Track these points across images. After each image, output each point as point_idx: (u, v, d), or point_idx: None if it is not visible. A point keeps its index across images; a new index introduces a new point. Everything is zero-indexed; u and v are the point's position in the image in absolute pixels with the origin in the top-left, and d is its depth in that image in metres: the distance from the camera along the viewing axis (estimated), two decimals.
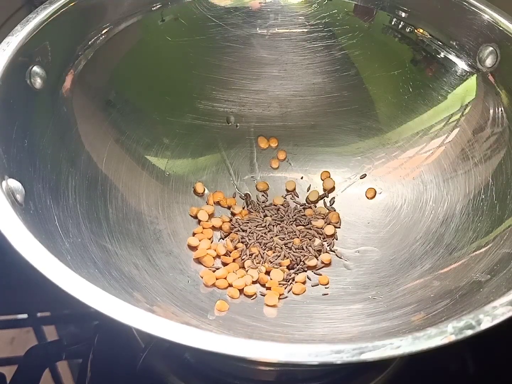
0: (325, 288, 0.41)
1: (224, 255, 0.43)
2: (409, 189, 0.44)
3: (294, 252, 0.43)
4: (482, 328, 0.25)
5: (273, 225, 0.45)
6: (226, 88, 0.47)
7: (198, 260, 0.42)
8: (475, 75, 0.41)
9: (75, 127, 0.40)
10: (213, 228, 0.44)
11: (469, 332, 0.25)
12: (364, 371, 0.40)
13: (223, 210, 0.46)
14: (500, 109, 0.40)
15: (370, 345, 0.24)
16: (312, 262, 0.42)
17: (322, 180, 0.48)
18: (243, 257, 0.43)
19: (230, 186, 0.47)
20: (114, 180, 0.41)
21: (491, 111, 0.40)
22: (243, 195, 0.47)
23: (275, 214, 0.46)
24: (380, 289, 0.39)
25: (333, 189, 0.47)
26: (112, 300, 0.25)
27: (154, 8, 0.44)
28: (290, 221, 0.45)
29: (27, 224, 0.28)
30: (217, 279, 0.40)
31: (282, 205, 0.46)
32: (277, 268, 0.42)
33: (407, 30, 0.44)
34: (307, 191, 0.48)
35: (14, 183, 0.31)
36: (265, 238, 0.44)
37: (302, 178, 0.48)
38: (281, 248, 0.43)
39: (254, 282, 0.41)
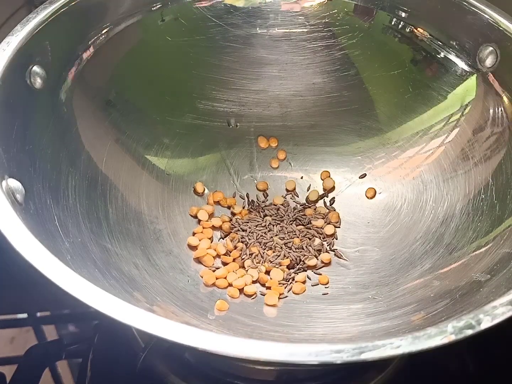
0: (325, 287, 0.41)
1: (224, 254, 0.43)
2: (409, 189, 0.44)
3: (294, 251, 0.43)
4: (482, 328, 0.25)
5: (273, 225, 0.45)
6: (226, 88, 0.47)
7: (198, 260, 0.42)
8: (475, 75, 0.41)
9: (75, 127, 0.40)
10: (213, 227, 0.44)
11: (469, 332, 0.25)
12: (364, 371, 0.40)
13: (223, 209, 0.46)
14: (500, 109, 0.40)
15: (370, 345, 0.24)
16: (312, 261, 0.42)
17: (322, 179, 0.48)
18: (243, 257, 0.43)
19: (230, 185, 0.47)
20: (114, 180, 0.41)
21: (491, 111, 0.40)
22: (243, 194, 0.47)
23: (275, 213, 0.46)
24: (380, 289, 0.39)
25: (333, 188, 0.47)
26: (112, 300, 0.25)
27: (154, 8, 0.44)
28: (290, 221, 0.45)
29: (27, 224, 0.28)
30: (217, 278, 0.40)
31: (282, 204, 0.46)
32: (277, 267, 0.42)
33: (407, 30, 0.44)
34: (307, 190, 0.48)
35: (14, 183, 0.31)
36: (265, 238, 0.44)
37: (302, 177, 0.48)
38: (281, 247, 0.43)
39: (254, 282, 0.41)
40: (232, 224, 0.45)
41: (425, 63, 0.44)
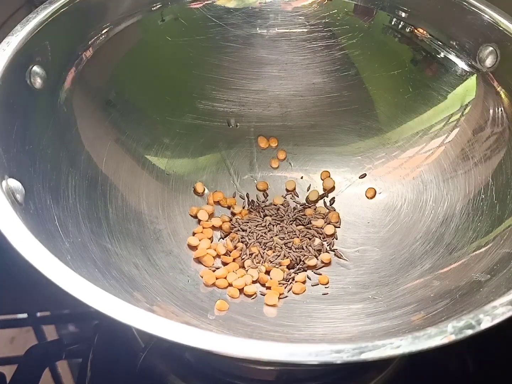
0: (325, 287, 0.41)
1: (224, 254, 0.43)
2: (409, 189, 0.44)
3: (294, 251, 0.43)
4: (482, 328, 0.25)
5: (273, 225, 0.45)
6: (226, 88, 0.47)
7: (198, 260, 0.42)
8: (475, 75, 0.41)
9: (75, 127, 0.40)
10: (213, 227, 0.44)
11: (469, 332, 0.25)
12: (364, 371, 0.40)
13: (223, 209, 0.46)
14: (500, 109, 0.40)
15: (370, 345, 0.24)
16: (312, 261, 0.42)
17: (322, 179, 0.48)
18: (243, 257, 0.43)
19: (230, 185, 0.47)
20: (114, 180, 0.41)
21: (491, 111, 0.40)
22: (243, 194, 0.47)
23: (275, 213, 0.46)
24: (380, 289, 0.39)
25: (333, 188, 0.47)
26: (112, 300, 0.25)
27: (154, 8, 0.44)
28: (290, 221, 0.45)
29: (27, 223, 0.28)
30: (217, 278, 0.40)
31: (282, 204, 0.46)
32: (277, 267, 0.42)
33: (407, 30, 0.44)
34: (307, 190, 0.48)
35: (14, 183, 0.31)
36: (265, 238, 0.44)
37: (302, 177, 0.48)
38: (281, 247, 0.43)
39: (254, 282, 0.41)
40: (232, 224, 0.45)
41: (425, 63, 0.44)
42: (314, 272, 0.42)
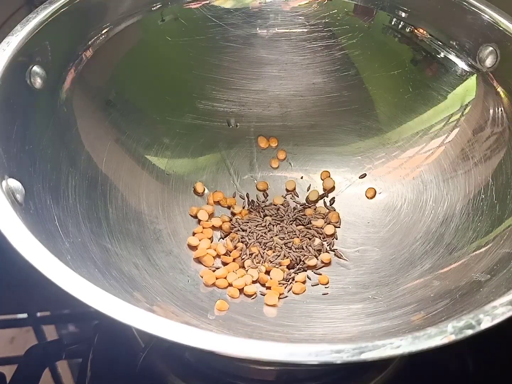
0: (325, 287, 0.41)
1: (224, 254, 0.43)
2: (409, 189, 0.44)
3: (294, 251, 0.43)
4: (482, 328, 0.25)
5: (273, 225, 0.45)
6: (226, 88, 0.47)
7: (198, 260, 0.42)
8: (475, 75, 0.42)
9: (75, 127, 0.40)
10: (213, 227, 0.44)
11: (469, 332, 0.25)
12: (364, 371, 0.40)
13: (223, 209, 0.46)
14: (500, 109, 0.40)
15: (370, 345, 0.24)
16: (312, 261, 0.42)
17: (322, 179, 0.48)
18: (243, 257, 0.43)
19: (230, 185, 0.47)
20: (114, 180, 0.41)
21: (491, 111, 0.40)
22: (243, 194, 0.47)
23: (275, 213, 0.46)
24: (380, 289, 0.39)
25: (333, 188, 0.47)
26: (112, 300, 0.25)
27: (154, 8, 0.44)
28: (290, 221, 0.45)
29: (27, 223, 0.28)
30: (217, 278, 0.40)
31: (282, 204, 0.46)
32: (277, 267, 0.42)
33: (407, 30, 0.44)
34: (307, 190, 0.48)
35: (14, 183, 0.31)
36: (265, 238, 0.44)
37: (302, 177, 0.48)
38: (281, 247, 0.43)
39: (254, 282, 0.41)
40: (232, 224, 0.45)
41: (425, 63, 0.44)
42: (314, 272, 0.42)
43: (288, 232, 0.44)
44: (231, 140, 0.48)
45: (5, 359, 0.42)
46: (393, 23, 0.44)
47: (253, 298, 0.40)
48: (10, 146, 0.33)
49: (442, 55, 0.43)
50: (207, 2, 0.45)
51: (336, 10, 0.45)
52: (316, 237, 0.44)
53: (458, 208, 0.41)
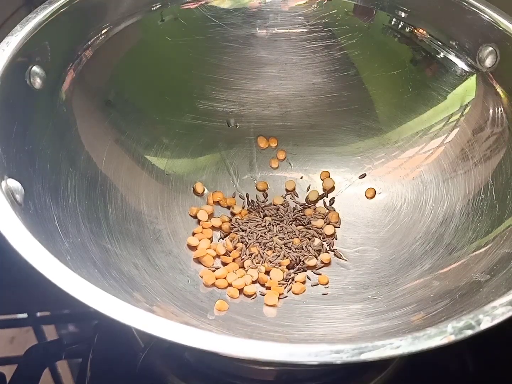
0: (325, 288, 0.41)
1: (224, 255, 0.43)
2: (409, 189, 0.44)
3: (293, 251, 0.43)
4: (482, 328, 0.25)
5: (273, 225, 0.45)
6: (226, 88, 0.47)
7: (198, 260, 0.42)
8: (475, 75, 0.41)
9: (75, 127, 0.40)
10: (213, 228, 0.44)
11: (469, 332, 0.25)
12: (364, 371, 0.40)
13: (222, 210, 0.46)
14: (499, 109, 0.40)
15: (370, 345, 0.24)
16: (312, 261, 0.42)
17: (321, 180, 0.48)
18: (242, 257, 0.43)
19: (229, 186, 0.47)
20: (114, 180, 0.41)
21: (491, 111, 0.40)
22: (243, 194, 0.47)
23: (275, 214, 0.46)
24: (379, 289, 0.39)
25: (332, 189, 0.47)
26: (112, 300, 0.25)
27: (154, 8, 0.44)
28: (290, 221, 0.45)
29: (26, 224, 0.28)
30: (216, 279, 0.40)
31: (281, 205, 0.46)
32: (277, 267, 0.42)
33: (407, 30, 0.44)
34: (307, 191, 0.48)
35: (13, 183, 0.31)
36: (264, 238, 0.44)
37: (301, 178, 0.48)
38: (281, 247, 0.43)
39: (253, 282, 0.41)
40: (232, 224, 0.45)
41: (425, 63, 0.44)
42: (313, 272, 0.42)
43: (287, 232, 0.44)
44: (230, 140, 0.48)
45: (5, 359, 0.42)
46: (393, 23, 0.44)
47: (252, 298, 0.40)
48: (10, 146, 0.33)
49: (442, 55, 0.43)
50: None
51: (336, 10, 0.45)
52: (316, 237, 0.44)
53: (458, 208, 0.41)
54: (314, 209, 0.46)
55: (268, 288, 0.41)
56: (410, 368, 0.40)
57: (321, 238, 0.44)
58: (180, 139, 0.46)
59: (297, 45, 0.46)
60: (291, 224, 0.45)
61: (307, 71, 0.47)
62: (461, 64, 0.42)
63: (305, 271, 0.42)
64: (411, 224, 0.43)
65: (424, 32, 0.43)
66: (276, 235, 0.44)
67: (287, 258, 0.43)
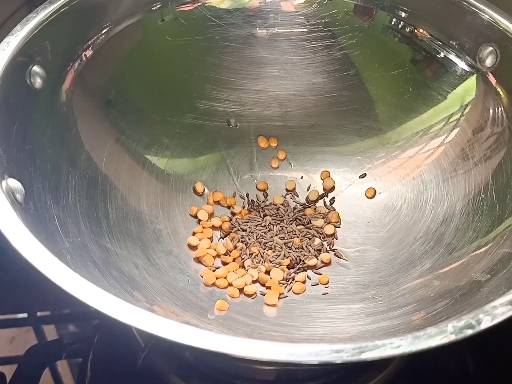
0: (325, 287, 0.41)
1: (224, 254, 0.43)
2: (409, 188, 0.44)
3: (294, 251, 0.43)
4: (482, 327, 0.25)
5: (273, 225, 0.45)
6: (226, 87, 0.47)
7: (198, 260, 0.42)
8: (475, 75, 0.42)
9: (75, 127, 0.40)
10: (213, 227, 0.44)
11: (469, 332, 0.25)
12: (364, 371, 0.40)
13: (223, 209, 0.46)
14: (500, 109, 0.40)
15: (370, 345, 0.24)
16: (312, 261, 0.42)
17: (322, 179, 0.48)
18: (243, 257, 0.43)
19: (230, 185, 0.47)
20: (114, 179, 0.41)
21: (491, 111, 0.40)
22: (243, 194, 0.47)
23: (275, 213, 0.46)
24: (380, 289, 0.39)
25: (333, 188, 0.47)
26: (112, 300, 0.25)
27: (154, 8, 0.44)
28: (290, 221, 0.45)
29: (27, 223, 0.28)
30: (217, 278, 0.40)
31: (282, 204, 0.46)
32: (277, 267, 0.42)
33: (407, 30, 0.44)
34: (307, 190, 0.48)
35: (14, 183, 0.31)
36: (265, 238, 0.44)
37: (302, 177, 0.48)
38: (281, 247, 0.43)
39: (254, 282, 0.41)
40: (232, 224, 0.45)
41: (425, 63, 0.44)
42: (314, 272, 0.42)
43: (288, 232, 0.44)
44: (231, 140, 0.48)
45: (5, 359, 0.42)
46: (393, 23, 0.44)
47: (253, 298, 0.40)
48: (10, 146, 0.33)
49: (442, 55, 0.43)
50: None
51: (336, 10, 0.45)
52: (316, 237, 0.44)
53: (458, 208, 0.41)
54: (314, 209, 0.46)
55: (269, 287, 0.41)
56: (410, 368, 0.40)
57: (321, 238, 0.44)
58: (181, 139, 0.46)
59: (297, 45, 0.46)
60: (291, 224, 0.45)
61: (307, 71, 0.47)
62: (461, 64, 0.42)
63: (306, 270, 0.42)
64: (411, 223, 0.43)
65: (424, 32, 0.43)
66: (276, 235, 0.44)
67: (287, 257, 0.43)
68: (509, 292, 0.27)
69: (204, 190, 0.46)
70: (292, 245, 0.43)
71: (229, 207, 0.46)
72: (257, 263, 0.42)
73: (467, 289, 0.33)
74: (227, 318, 0.37)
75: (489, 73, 0.41)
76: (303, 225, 0.45)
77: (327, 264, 0.43)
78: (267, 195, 0.47)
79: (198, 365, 0.39)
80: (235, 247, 0.43)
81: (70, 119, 0.39)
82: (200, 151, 0.47)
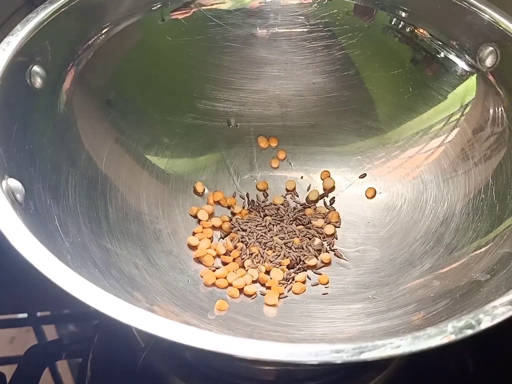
0: (325, 287, 0.41)
1: (224, 254, 0.43)
2: (409, 188, 0.44)
3: (294, 251, 0.43)
4: (482, 327, 0.25)
5: (273, 225, 0.45)
6: (226, 87, 0.47)
7: (198, 260, 0.42)
8: (475, 75, 0.42)
9: (75, 127, 0.40)
10: (213, 227, 0.44)
11: (469, 332, 0.25)
12: (364, 371, 0.40)
13: (223, 209, 0.46)
14: (500, 109, 0.40)
15: (370, 345, 0.24)
16: (312, 261, 0.42)
17: (322, 179, 0.48)
18: (243, 257, 0.43)
19: (230, 185, 0.47)
20: (114, 179, 0.41)
21: (491, 110, 0.40)
22: (243, 194, 0.47)
23: (275, 213, 0.46)
24: (380, 289, 0.39)
25: (333, 188, 0.47)
26: (112, 300, 0.25)
27: (154, 8, 0.44)
28: (290, 221, 0.45)
29: (27, 223, 0.28)
30: (217, 278, 0.40)
31: (282, 204, 0.46)
32: (277, 267, 0.42)
33: (407, 30, 0.44)
34: (307, 190, 0.48)
35: (14, 183, 0.31)
36: (265, 238, 0.44)
37: (302, 177, 0.48)
38: (281, 247, 0.43)
39: (254, 282, 0.41)
40: (232, 224, 0.45)
41: (425, 63, 0.44)
42: (314, 272, 0.42)
43: (288, 232, 0.44)
44: (231, 140, 0.48)
45: (5, 359, 0.42)
46: (393, 23, 0.44)
47: (253, 298, 0.40)
48: (10, 146, 0.33)
49: (442, 55, 0.43)
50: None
51: (336, 10, 0.45)
52: (316, 237, 0.44)
53: (458, 208, 0.41)
54: (315, 209, 0.46)
55: (268, 287, 0.41)
56: (410, 368, 0.40)
57: (321, 238, 0.44)
58: (181, 139, 0.46)
59: (298, 44, 0.46)
60: (291, 224, 0.45)
61: (307, 71, 0.47)
62: (461, 64, 0.42)
63: (306, 270, 0.42)
64: (411, 223, 0.43)
65: (425, 32, 0.43)
66: (276, 235, 0.44)
67: (287, 257, 0.43)
68: (509, 292, 0.27)
69: (204, 190, 0.46)
70: (292, 245, 0.43)
71: (229, 207, 0.46)
72: (257, 263, 0.42)
73: (467, 289, 0.33)
74: (227, 318, 0.37)
75: (489, 73, 0.41)
76: (303, 225, 0.45)
77: (327, 264, 0.43)
78: (267, 195, 0.47)
79: (198, 365, 0.39)
80: (235, 247, 0.43)
81: (70, 119, 0.39)
82: (200, 151, 0.47)
